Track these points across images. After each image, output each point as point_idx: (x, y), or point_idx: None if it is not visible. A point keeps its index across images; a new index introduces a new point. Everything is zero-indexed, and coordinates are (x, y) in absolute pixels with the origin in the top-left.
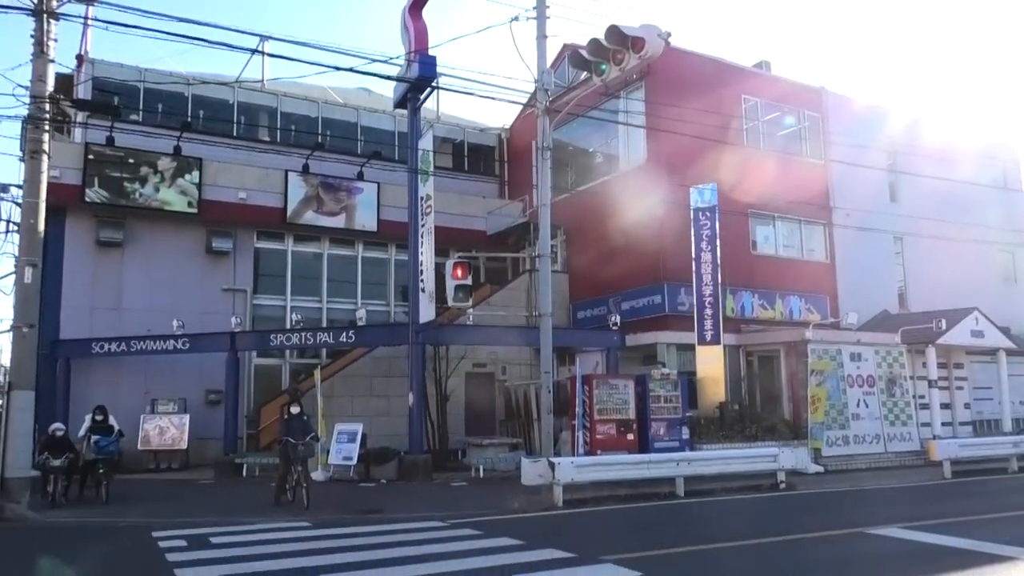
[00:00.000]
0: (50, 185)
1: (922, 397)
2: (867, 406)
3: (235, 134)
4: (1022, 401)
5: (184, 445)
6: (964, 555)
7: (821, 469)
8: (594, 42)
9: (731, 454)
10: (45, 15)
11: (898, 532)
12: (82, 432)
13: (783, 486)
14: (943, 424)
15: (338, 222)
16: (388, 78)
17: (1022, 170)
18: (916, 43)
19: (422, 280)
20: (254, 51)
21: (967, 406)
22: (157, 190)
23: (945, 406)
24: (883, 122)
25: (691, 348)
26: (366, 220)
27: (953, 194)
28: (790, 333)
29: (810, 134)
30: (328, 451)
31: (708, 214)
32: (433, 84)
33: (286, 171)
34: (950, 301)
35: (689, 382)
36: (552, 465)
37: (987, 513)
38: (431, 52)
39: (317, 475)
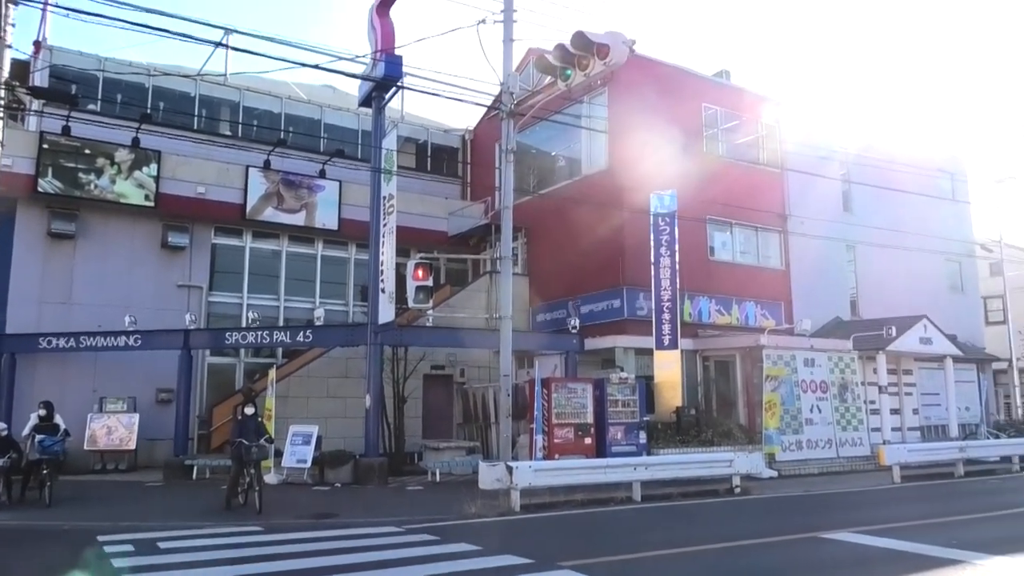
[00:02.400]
0: (1, 174)
1: (873, 403)
2: (820, 411)
3: (196, 128)
4: (968, 407)
5: (132, 446)
6: (914, 559)
7: (775, 474)
8: (560, 47)
9: (687, 459)
10: (3, 0)
11: (850, 536)
12: (26, 431)
13: (738, 491)
14: (893, 429)
15: (298, 219)
16: (353, 76)
17: (969, 183)
18: (872, 57)
19: (382, 280)
20: (218, 44)
21: (915, 412)
22: (113, 182)
23: (895, 411)
24: (838, 133)
25: (649, 352)
26: (327, 218)
27: (904, 205)
28: (746, 339)
29: (767, 143)
30: (282, 453)
31: (667, 220)
32: (399, 84)
33: (247, 167)
34: (900, 309)
35: (647, 386)
36: (510, 469)
37: (935, 517)
38: (397, 52)
39: (270, 478)
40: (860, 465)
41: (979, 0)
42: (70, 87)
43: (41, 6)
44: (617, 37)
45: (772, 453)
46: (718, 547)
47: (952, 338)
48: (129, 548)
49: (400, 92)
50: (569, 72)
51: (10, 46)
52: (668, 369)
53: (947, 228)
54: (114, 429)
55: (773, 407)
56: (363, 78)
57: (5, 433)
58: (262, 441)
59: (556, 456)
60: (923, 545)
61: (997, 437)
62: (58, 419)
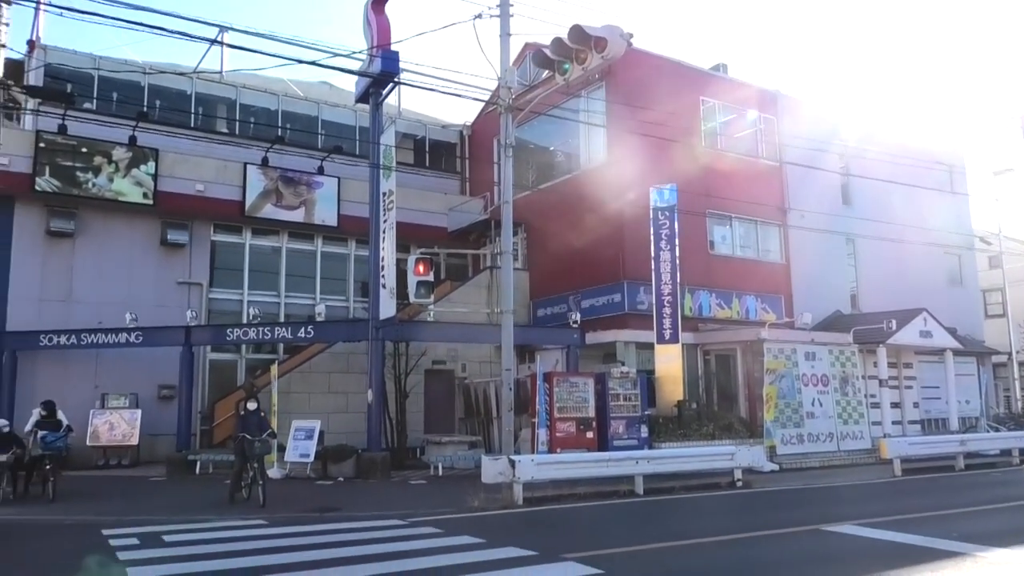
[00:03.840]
0: None
1: (873, 396)
2: (821, 405)
3: (193, 125)
4: (968, 400)
5: (135, 441)
6: (916, 551)
7: (776, 467)
8: (557, 41)
9: (689, 452)
10: None
11: (852, 529)
12: (29, 427)
13: (740, 484)
14: (893, 423)
15: (297, 216)
16: (350, 72)
17: (967, 175)
18: (869, 49)
19: (383, 276)
20: (213, 41)
21: (916, 405)
22: (111, 180)
23: (895, 405)
24: (836, 126)
25: (650, 347)
26: (326, 215)
27: (903, 198)
28: (746, 332)
29: (766, 136)
30: (284, 448)
31: (667, 214)
32: (395, 79)
33: (245, 164)
34: (899, 302)
35: (648, 380)
36: (513, 463)
37: (936, 510)
38: (394, 47)
39: (273, 472)
40: (861, 458)
41: None
42: (65, 86)
43: (35, 5)
44: (614, 31)
45: (772, 446)
46: (721, 539)
47: (952, 331)
48: (134, 541)
49: (397, 88)
50: (567, 66)
51: (4, 45)
52: (669, 363)
53: (946, 221)
54: (116, 425)
55: (770, 400)
56: (360, 74)
57: (7, 429)
58: (265, 436)
59: (558, 450)
60: (925, 537)
61: (997, 430)
62: (61, 415)
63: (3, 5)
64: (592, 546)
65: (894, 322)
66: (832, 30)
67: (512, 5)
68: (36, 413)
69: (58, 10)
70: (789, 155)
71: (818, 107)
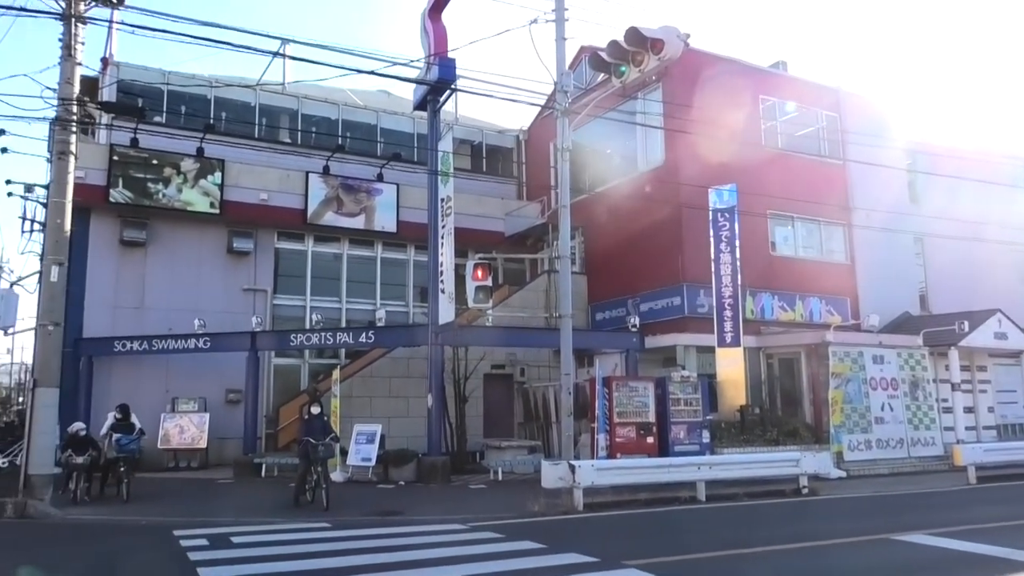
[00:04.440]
0: (75, 186)
1: (945, 401)
2: (891, 410)
3: (257, 136)
4: None
5: (204, 444)
6: (991, 562)
7: (843, 474)
8: (614, 44)
9: (753, 458)
10: (73, 19)
11: (924, 539)
12: (104, 430)
13: (806, 491)
14: (967, 428)
15: (358, 223)
16: (408, 80)
17: None
18: (932, 42)
19: (442, 281)
20: (276, 54)
21: (991, 410)
22: (180, 191)
23: (968, 410)
24: (901, 122)
25: (711, 350)
26: (386, 221)
27: (973, 194)
28: (811, 335)
29: (828, 134)
30: (347, 452)
31: (727, 215)
32: (453, 86)
33: (307, 172)
34: (972, 303)
35: (709, 385)
36: (573, 468)
37: (1013, 519)
38: (450, 55)
39: (336, 476)
40: (933, 465)
41: None
42: (137, 101)
43: (108, 24)
44: (671, 31)
45: (839, 452)
46: (787, 548)
47: None
48: (204, 542)
49: (454, 94)
50: (624, 68)
51: (80, 63)
52: (731, 367)
53: (1019, 217)
54: (186, 428)
55: (835, 404)
56: (418, 82)
57: (84, 432)
58: (328, 440)
59: (618, 455)
60: (1001, 548)
61: None
62: (134, 419)
63: (79, 25)
64: (654, 553)
65: (966, 323)
66: (895, 22)
67: (567, 9)
68: (111, 416)
69: (129, 28)
70: (852, 153)
71: (882, 103)
